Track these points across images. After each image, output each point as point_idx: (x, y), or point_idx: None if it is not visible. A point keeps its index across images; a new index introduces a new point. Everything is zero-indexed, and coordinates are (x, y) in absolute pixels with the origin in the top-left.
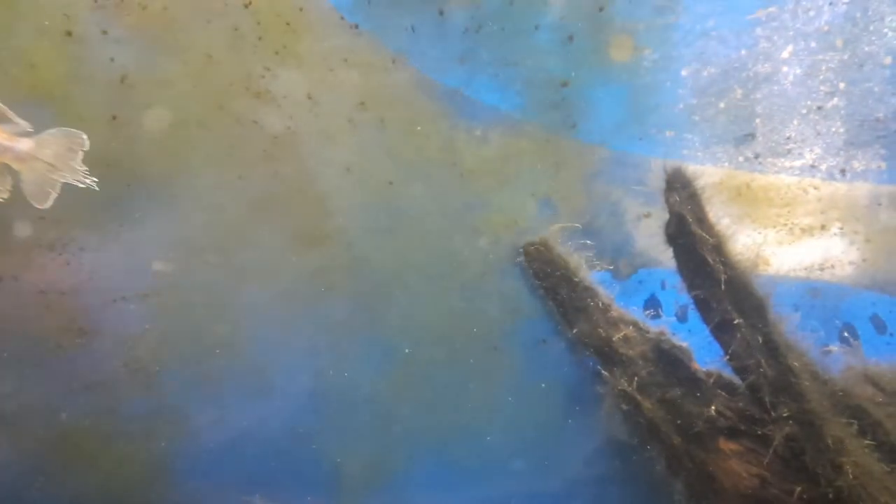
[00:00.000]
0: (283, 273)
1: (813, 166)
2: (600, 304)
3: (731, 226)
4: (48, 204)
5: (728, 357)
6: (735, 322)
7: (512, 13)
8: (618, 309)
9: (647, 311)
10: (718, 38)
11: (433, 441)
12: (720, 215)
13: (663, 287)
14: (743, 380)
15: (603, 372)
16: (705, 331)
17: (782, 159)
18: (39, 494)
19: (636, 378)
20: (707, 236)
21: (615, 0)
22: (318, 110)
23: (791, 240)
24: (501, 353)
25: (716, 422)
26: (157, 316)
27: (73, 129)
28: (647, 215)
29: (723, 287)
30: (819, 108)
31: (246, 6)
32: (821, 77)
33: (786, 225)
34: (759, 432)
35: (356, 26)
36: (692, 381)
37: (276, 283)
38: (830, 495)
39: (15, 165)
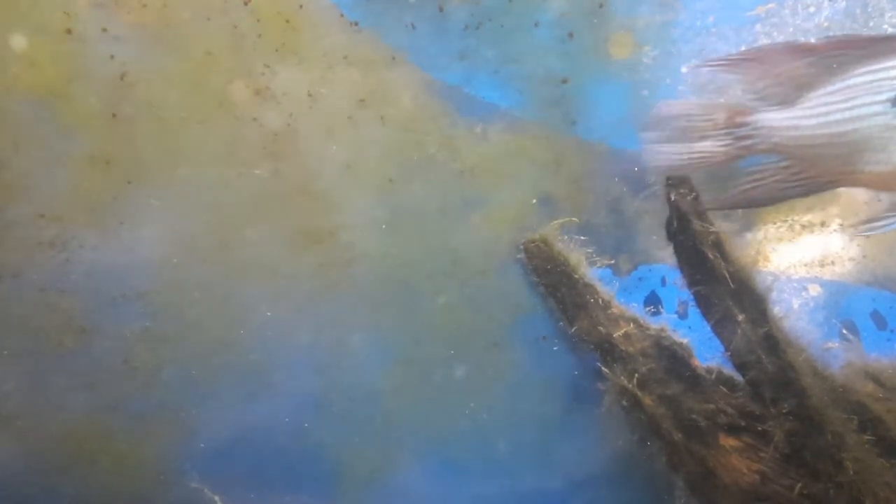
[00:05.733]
0: (283, 271)
1: None
2: (600, 301)
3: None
4: None
5: (728, 353)
6: (736, 318)
7: (512, 10)
8: (618, 305)
9: (648, 308)
10: (718, 35)
11: (433, 438)
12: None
13: (664, 283)
14: (743, 376)
15: (603, 368)
16: (706, 327)
17: None
18: (40, 493)
19: (636, 374)
20: (707, 233)
21: None
22: (318, 107)
23: (791, 236)
24: (501, 349)
25: (716, 418)
26: (157, 314)
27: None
28: (648, 212)
29: (723, 283)
30: None
31: (245, 3)
32: None
33: (786, 221)
34: (760, 428)
35: (356, 24)
36: (692, 378)
37: (277, 281)
38: (831, 491)
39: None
